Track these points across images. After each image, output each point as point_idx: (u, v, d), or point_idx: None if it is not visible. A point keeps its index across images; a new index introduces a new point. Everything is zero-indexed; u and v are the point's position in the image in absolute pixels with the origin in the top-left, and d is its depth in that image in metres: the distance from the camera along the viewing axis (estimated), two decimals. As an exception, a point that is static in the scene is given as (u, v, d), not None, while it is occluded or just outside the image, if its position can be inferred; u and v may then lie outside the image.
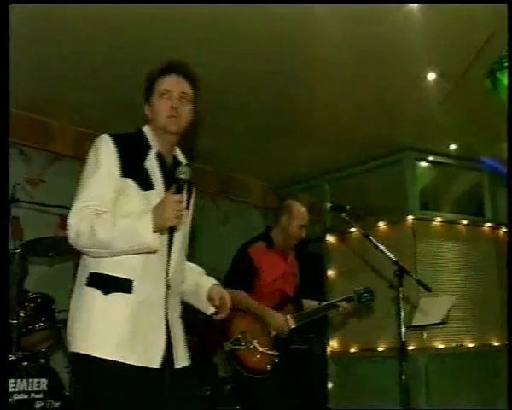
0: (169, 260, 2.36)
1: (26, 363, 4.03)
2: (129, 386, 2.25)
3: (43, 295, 4.60)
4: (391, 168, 6.68)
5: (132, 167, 2.36)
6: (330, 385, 6.67)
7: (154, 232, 2.19)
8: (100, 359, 2.22)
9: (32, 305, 4.47)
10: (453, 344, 6.18)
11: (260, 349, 3.83)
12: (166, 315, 2.34)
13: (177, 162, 2.49)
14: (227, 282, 3.99)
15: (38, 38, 4.40)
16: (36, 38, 4.40)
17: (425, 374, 5.86)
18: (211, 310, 2.61)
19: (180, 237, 2.44)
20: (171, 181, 2.33)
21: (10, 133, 5.50)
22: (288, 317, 3.91)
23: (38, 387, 3.96)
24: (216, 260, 4.53)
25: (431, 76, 4.91)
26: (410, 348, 5.64)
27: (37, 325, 4.43)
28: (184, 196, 2.31)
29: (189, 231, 2.65)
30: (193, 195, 2.67)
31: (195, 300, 2.63)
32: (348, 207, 3.78)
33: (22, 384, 3.90)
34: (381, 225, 6.50)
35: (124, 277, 2.29)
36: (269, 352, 3.84)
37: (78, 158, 5.91)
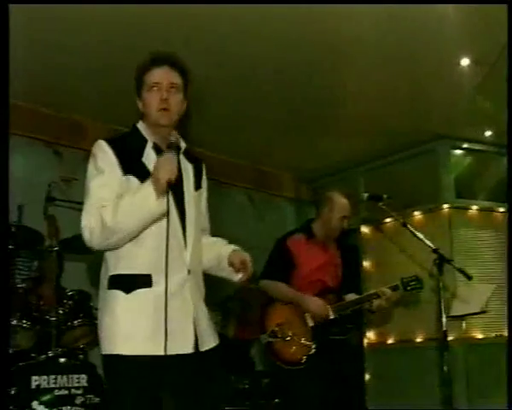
0: (185, 246, 2.40)
1: (65, 359, 4.06)
2: (159, 377, 2.29)
3: (81, 292, 4.64)
4: (425, 157, 6.61)
5: (132, 165, 2.38)
6: (368, 377, 6.63)
7: (157, 197, 2.21)
8: (128, 356, 2.26)
9: (69, 302, 4.51)
10: (493, 334, 6.08)
11: (296, 340, 3.82)
12: (190, 300, 2.38)
13: (175, 147, 2.46)
14: (265, 274, 4.02)
15: (69, 36, 4.44)
16: (69, 38, 4.45)
17: (464, 365, 5.78)
18: (236, 277, 2.60)
19: (193, 220, 2.46)
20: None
21: (44, 133, 5.65)
22: (328, 307, 3.87)
23: (78, 383, 3.99)
24: (250, 254, 4.53)
25: (465, 61, 4.84)
26: (449, 338, 5.53)
27: (76, 322, 4.47)
28: (175, 156, 2.32)
29: (207, 212, 2.69)
30: (203, 174, 2.67)
31: (220, 271, 2.64)
32: (385, 196, 3.75)
33: (63, 380, 3.93)
34: (417, 214, 6.44)
35: (142, 273, 2.32)
36: (305, 342, 3.81)
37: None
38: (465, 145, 6.66)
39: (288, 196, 7.61)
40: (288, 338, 3.82)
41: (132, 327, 2.28)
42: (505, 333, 6.02)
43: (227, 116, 5.63)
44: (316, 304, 3.84)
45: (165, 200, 2.24)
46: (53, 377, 3.90)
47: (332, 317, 3.85)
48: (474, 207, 6.46)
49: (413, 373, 6.12)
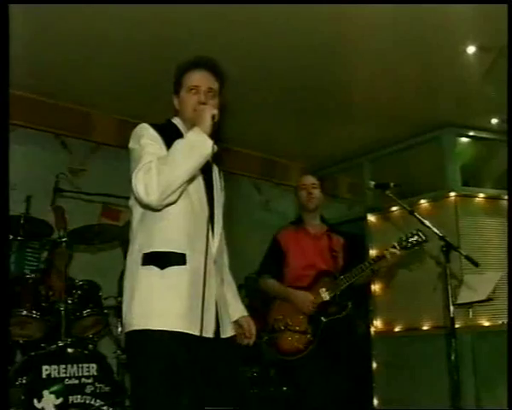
0: (213, 229, 2.49)
1: (75, 349, 4.09)
2: (188, 356, 2.33)
3: (90, 282, 4.69)
4: (431, 145, 6.59)
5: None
6: (375, 365, 6.65)
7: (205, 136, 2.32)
8: (162, 331, 2.30)
9: (79, 292, 4.55)
10: (499, 322, 6.08)
11: (292, 330, 3.89)
12: (215, 288, 2.46)
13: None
14: (260, 270, 4.16)
15: (77, 29, 4.44)
16: (74, 27, 4.44)
17: (471, 352, 5.79)
18: (240, 340, 2.74)
19: (220, 215, 2.58)
20: (204, 164, 2.39)
21: (52, 124, 5.67)
22: (322, 290, 3.91)
23: (88, 372, 4.03)
24: (258, 244, 4.57)
25: (471, 49, 4.82)
26: (457, 325, 5.55)
27: (85, 312, 4.51)
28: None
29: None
30: (221, 175, 2.76)
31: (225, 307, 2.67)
32: (392, 184, 3.77)
33: (73, 369, 3.97)
34: (423, 202, 6.43)
35: (176, 251, 2.38)
36: (301, 330, 3.86)
37: (118, 146, 5.99)
38: (471, 133, 6.63)
39: (294, 185, 7.61)
40: (284, 330, 3.87)
41: (167, 303, 2.33)
42: (512, 320, 6.06)
43: (234, 106, 5.63)
44: (299, 299, 3.91)
45: (213, 144, 2.34)
46: (63, 366, 3.94)
47: (327, 298, 3.89)
48: (481, 195, 6.44)
49: (420, 361, 6.12)
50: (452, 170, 6.44)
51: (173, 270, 2.36)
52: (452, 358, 3.63)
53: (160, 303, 2.33)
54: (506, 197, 6.49)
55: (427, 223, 3.60)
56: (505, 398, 5.21)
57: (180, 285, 2.35)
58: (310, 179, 4.22)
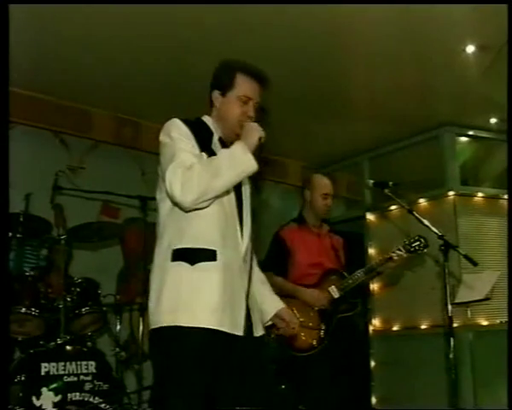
0: (242, 229, 2.48)
1: (74, 346, 4.10)
2: (217, 354, 2.32)
3: (89, 280, 4.69)
4: (430, 144, 6.59)
5: (204, 146, 2.44)
6: (373, 364, 6.66)
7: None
8: (191, 328, 2.28)
9: (77, 290, 4.56)
10: (498, 321, 6.09)
11: (305, 326, 3.85)
12: (245, 286, 2.44)
13: None
14: (263, 267, 4.07)
15: (75, 25, 4.44)
16: (73, 25, 4.44)
17: (470, 351, 5.80)
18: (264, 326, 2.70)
19: (249, 218, 2.54)
20: None
21: (51, 122, 5.67)
22: (332, 288, 3.92)
23: (87, 369, 4.04)
24: (258, 243, 4.56)
25: (470, 48, 4.82)
26: (455, 325, 5.56)
27: (84, 309, 4.52)
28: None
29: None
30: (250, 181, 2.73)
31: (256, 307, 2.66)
32: (391, 183, 3.77)
33: (72, 367, 3.98)
34: (422, 201, 6.43)
35: (207, 247, 2.36)
36: (314, 326, 3.85)
37: (117, 144, 6.00)
38: (470, 132, 6.63)
39: (293, 183, 7.62)
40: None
41: (200, 299, 2.30)
42: (511, 320, 6.06)
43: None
44: (310, 297, 3.91)
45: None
46: (62, 363, 3.95)
47: (337, 296, 3.90)
48: (480, 195, 6.44)
49: (418, 360, 6.12)
50: (451, 169, 6.44)
51: (204, 265, 2.34)
52: (450, 357, 3.64)
53: (190, 299, 2.30)
54: (505, 197, 6.51)
55: (425, 222, 3.61)
56: (503, 397, 5.23)
57: (210, 281, 2.32)
58: (331, 188, 4.19)
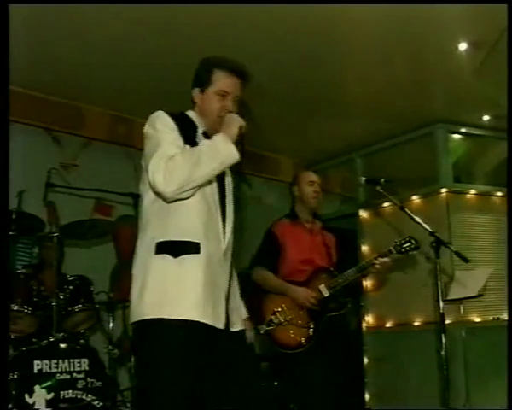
0: (224, 223, 2.51)
1: (67, 344, 4.09)
2: (201, 345, 2.34)
3: (81, 277, 4.68)
4: (423, 141, 6.61)
5: (188, 138, 2.46)
6: (366, 360, 6.68)
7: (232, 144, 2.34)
8: (177, 320, 2.29)
9: (70, 287, 4.55)
10: (490, 317, 6.12)
11: (294, 324, 3.85)
12: (226, 281, 2.47)
13: None
14: (255, 261, 4.09)
15: (69, 23, 4.43)
16: (66, 23, 4.44)
17: (462, 348, 5.82)
18: None
19: (231, 213, 2.58)
20: None
21: (43, 119, 5.66)
22: (322, 286, 3.91)
23: (80, 367, 4.03)
24: (249, 240, 4.57)
25: (462, 46, 4.84)
26: (447, 321, 5.57)
27: (77, 307, 4.51)
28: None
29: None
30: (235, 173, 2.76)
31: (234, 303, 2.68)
32: (383, 180, 3.78)
33: (64, 364, 3.97)
34: (415, 198, 6.46)
35: (191, 240, 2.38)
36: (303, 324, 3.85)
37: (109, 142, 5.99)
38: (463, 130, 6.66)
39: (286, 180, 7.62)
40: (286, 324, 3.85)
41: (182, 291, 2.32)
42: (502, 316, 6.08)
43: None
44: (299, 295, 3.88)
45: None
46: (55, 361, 3.94)
47: (327, 295, 3.89)
48: (472, 192, 6.47)
49: (411, 356, 6.15)
50: (444, 166, 6.46)
51: (188, 258, 2.36)
52: (442, 353, 3.65)
53: (174, 291, 2.32)
54: (498, 194, 6.54)
55: (417, 219, 3.62)
56: (495, 393, 5.27)
57: (195, 273, 2.34)
58: (317, 177, 4.18)
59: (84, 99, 5.79)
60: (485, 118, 6.42)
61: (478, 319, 6.06)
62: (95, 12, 4.28)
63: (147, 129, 2.47)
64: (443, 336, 3.61)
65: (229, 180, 2.64)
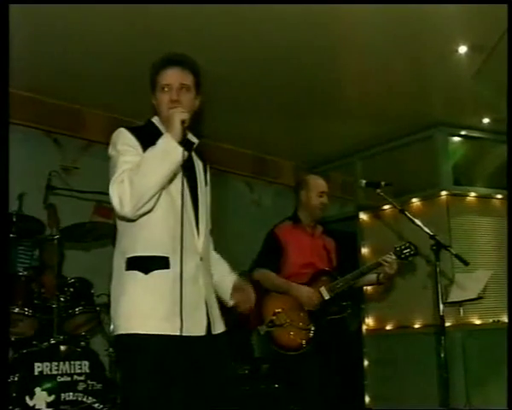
0: (198, 234, 2.51)
1: (67, 346, 4.10)
2: (174, 356, 2.35)
3: (82, 280, 4.69)
4: (423, 144, 6.61)
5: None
6: (366, 363, 6.68)
7: (176, 142, 2.30)
8: (147, 335, 2.31)
9: (71, 289, 4.56)
10: (490, 320, 6.12)
11: (294, 326, 3.85)
12: (202, 285, 2.48)
13: (188, 143, 2.52)
14: (256, 263, 4.09)
15: (69, 25, 4.44)
16: (67, 25, 4.44)
17: (462, 350, 5.82)
18: (231, 303, 2.76)
19: (204, 210, 2.58)
20: (186, 162, 2.38)
21: (43, 122, 5.66)
22: (322, 288, 3.92)
23: (80, 369, 4.04)
24: (250, 243, 4.58)
25: (462, 49, 4.83)
26: (447, 324, 5.58)
27: (77, 309, 4.52)
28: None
29: (210, 208, 2.73)
30: (208, 170, 2.77)
31: (220, 291, 2.74)
32: (383, 183, 3.78)
33: (65, 367, 3.98)
34: (415, 201, 6.46)
35: (159, 255, 2.39)
36: (303, 326, 3.85)
37: (109, 144, 5.99)
38: (463, 132, 6.66)
39: (286, 183, 7.63)
40: (286, 325, 3.86)
41: (150, 307, 2.34)
42: (502, 319, 6.08)
43: (225, 103, 5.64)
44: (303, 294, 3.89)
45: (183, 151, 2.32)
46: (55, 363, 3.95)
47: (327, 298, 3.90)
48: (472, 194, 6.47)
49: (411, 359, 6.15)
50: (444, 169, 6.46)
51: (157, 274, 2.37)
52: (442, 356, 3.65)
53: (143, 308, 2.34)
54: (498, 196, 6.54)
55: (417, 222, 3.62)
56: (495, 395, 5.27)
57: (163, 289, 2.35)
58: (326, 186, 4.18)
59: (84, 102, 5.79)
60: (485, 121, 6.42)
61: (478, 322, 6.06)
62: (95, 14, 4.28)
63: (110, 151, 2.48)
64: (443, 338, 3.61)
65: (200, 178, 2.64)
